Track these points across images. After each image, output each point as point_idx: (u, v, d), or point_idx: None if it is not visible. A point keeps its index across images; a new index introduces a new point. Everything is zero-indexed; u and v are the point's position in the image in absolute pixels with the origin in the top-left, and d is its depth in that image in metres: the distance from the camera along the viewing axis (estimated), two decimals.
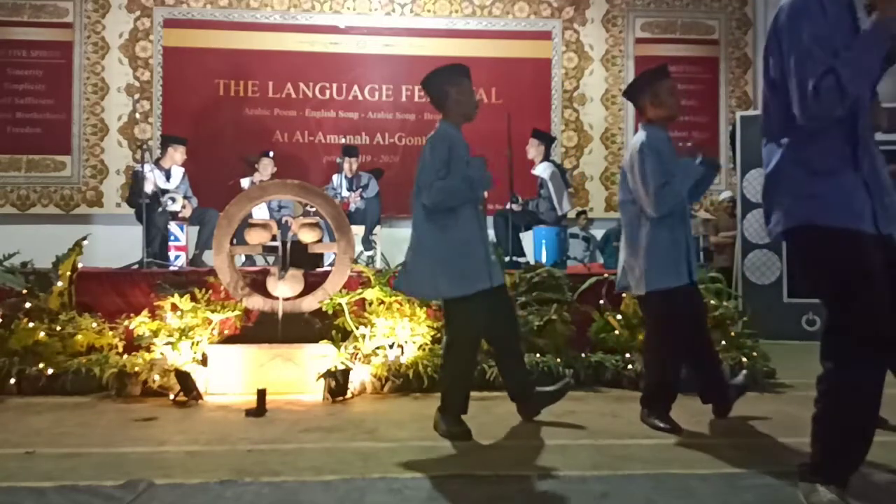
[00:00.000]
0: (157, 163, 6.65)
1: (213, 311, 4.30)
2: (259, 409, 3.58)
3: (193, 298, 4.35)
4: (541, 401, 3.41)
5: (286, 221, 6.86)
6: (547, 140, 6.59)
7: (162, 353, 4.07)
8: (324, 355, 4.06)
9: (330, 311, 4.41)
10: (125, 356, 4.22)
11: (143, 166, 6.16)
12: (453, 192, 3.09)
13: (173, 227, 5.94)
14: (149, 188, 6.13)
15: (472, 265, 3.11)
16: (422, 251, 3.14)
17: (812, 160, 2.10)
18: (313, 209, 5.07)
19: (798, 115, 2.04)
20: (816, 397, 2.11)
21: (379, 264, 6.65)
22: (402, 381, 4.12)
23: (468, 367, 3.25)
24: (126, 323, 4.32)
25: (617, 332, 4.55)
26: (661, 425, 3.19)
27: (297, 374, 4.08)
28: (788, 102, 2.08)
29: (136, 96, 8.76)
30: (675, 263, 3.18)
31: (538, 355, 4.28)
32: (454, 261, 3.08)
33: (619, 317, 4.59)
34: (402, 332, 4.25)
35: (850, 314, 2.04)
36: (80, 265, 4.74)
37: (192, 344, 4.13)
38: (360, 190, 7.22)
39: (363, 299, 4.45)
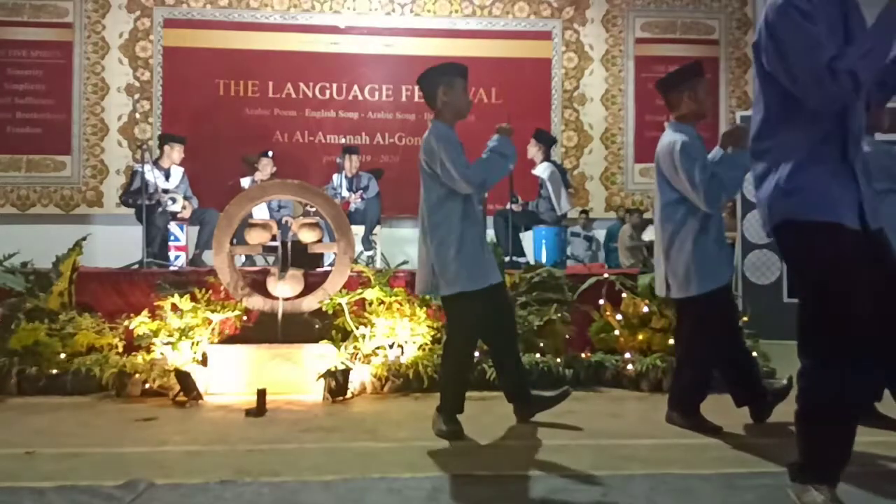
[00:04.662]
0: (156, 163, 6.64)
1: (213, 311, 4.30)
2: (259, 409, 3.58)
3: (193, 298, 4.35)
4: (537, 404, 3.39)
5: (286, 221, 6.86)
6: (548, 142, 6.58)
7: (162, 353, 4.07)
8: (324, 355, 4.06)
9: (330, 311, 4.40)
10: (125, 356, 4.22)
11: (142, 166, 6.16)
12: (490, 165, 3.15)
13: (173, 227, 5.95)
14: (151, 189, 6.14)
15: (472, 263, 3.11)
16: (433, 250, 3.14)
17: (797, 152, 2.05)
18: (313, 209, 5.06)
19: (814, 102, 1.99)
20: (797, 394, 2.10)
21: (379, 264, 6.64)
22: (402, 381, 4.12)
23: (463, 366, 3.25)
24: (126, 323, 4.32)
25: (617, 332, 4.55)
26: (709, 425, 3.19)
27: (297, 374, 4.07)
28: (785, 94, 2.03)
29: (136, 96, 8.77)
30: (720, 264, 3.19)
31: (538, 355, 4.28)
32: (465, 257, 3.09)
33: (619, 317, 4.59)
34: (402, 332, 4.25)
35: (827, 312, 2.00)
36: (80, 265, 4.74)
37: (192, 344, 4.13)
38: (361, 192, 7.21)
39: (363, 299, 4.45)
